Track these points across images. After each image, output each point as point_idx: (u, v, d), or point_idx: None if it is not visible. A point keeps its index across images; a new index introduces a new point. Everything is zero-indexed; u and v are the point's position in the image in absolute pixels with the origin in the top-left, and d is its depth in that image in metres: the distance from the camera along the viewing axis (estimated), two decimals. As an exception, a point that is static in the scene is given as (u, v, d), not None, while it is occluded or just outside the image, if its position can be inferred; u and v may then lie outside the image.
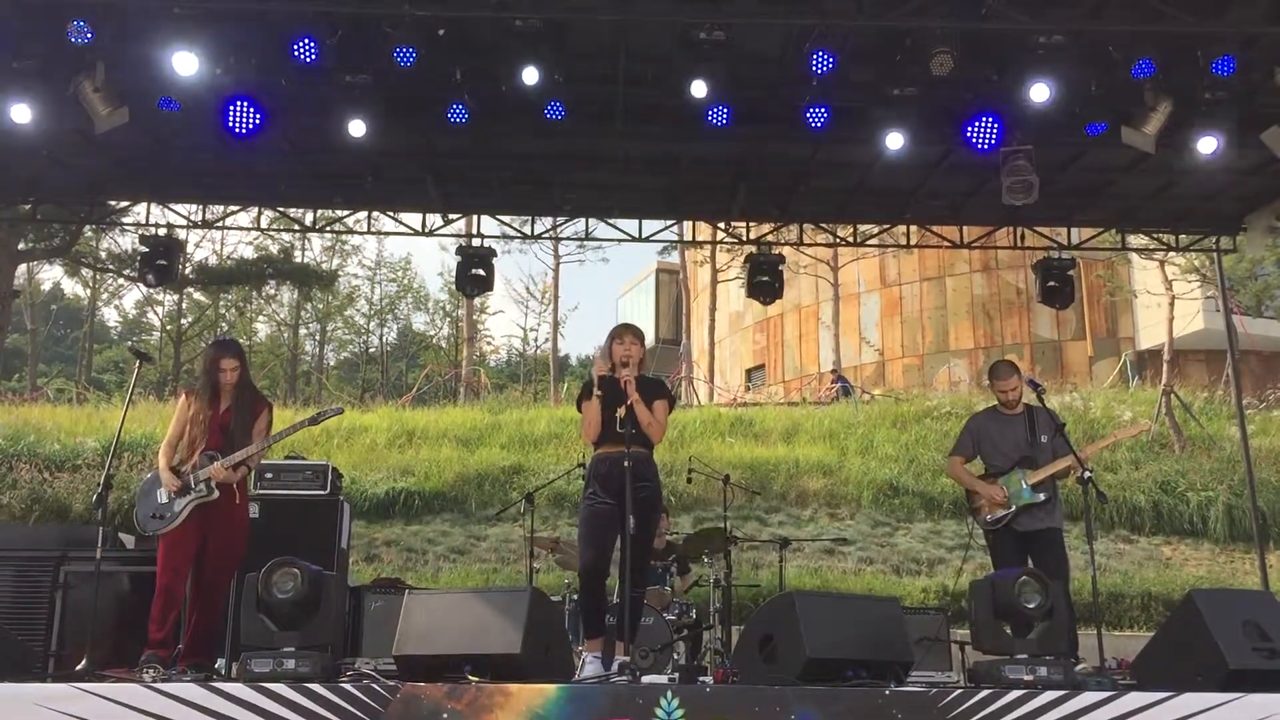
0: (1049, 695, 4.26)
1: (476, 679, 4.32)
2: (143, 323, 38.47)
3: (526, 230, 10.79)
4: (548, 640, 4.83)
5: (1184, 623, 5.00)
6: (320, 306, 35.59)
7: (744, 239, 10.42)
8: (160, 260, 9.44)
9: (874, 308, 29.00)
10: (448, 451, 16.39)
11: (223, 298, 32.72)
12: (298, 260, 26.80)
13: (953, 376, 26.04)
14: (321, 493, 7.62)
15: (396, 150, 8.39)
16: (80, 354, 36.50)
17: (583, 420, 5.92)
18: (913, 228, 10.43)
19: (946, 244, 10.48)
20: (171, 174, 9.17)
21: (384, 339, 39.62)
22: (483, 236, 10.23)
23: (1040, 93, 6.70)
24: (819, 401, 22.48)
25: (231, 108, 6.91)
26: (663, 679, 5.34)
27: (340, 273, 34.15)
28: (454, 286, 10.40)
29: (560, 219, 10.36)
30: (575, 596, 6.76)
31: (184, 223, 10.03)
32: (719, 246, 24.49)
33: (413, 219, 10.08)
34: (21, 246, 17.22)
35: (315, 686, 4.21)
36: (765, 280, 9.72)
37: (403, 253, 66.24)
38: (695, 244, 27.26)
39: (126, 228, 17.74)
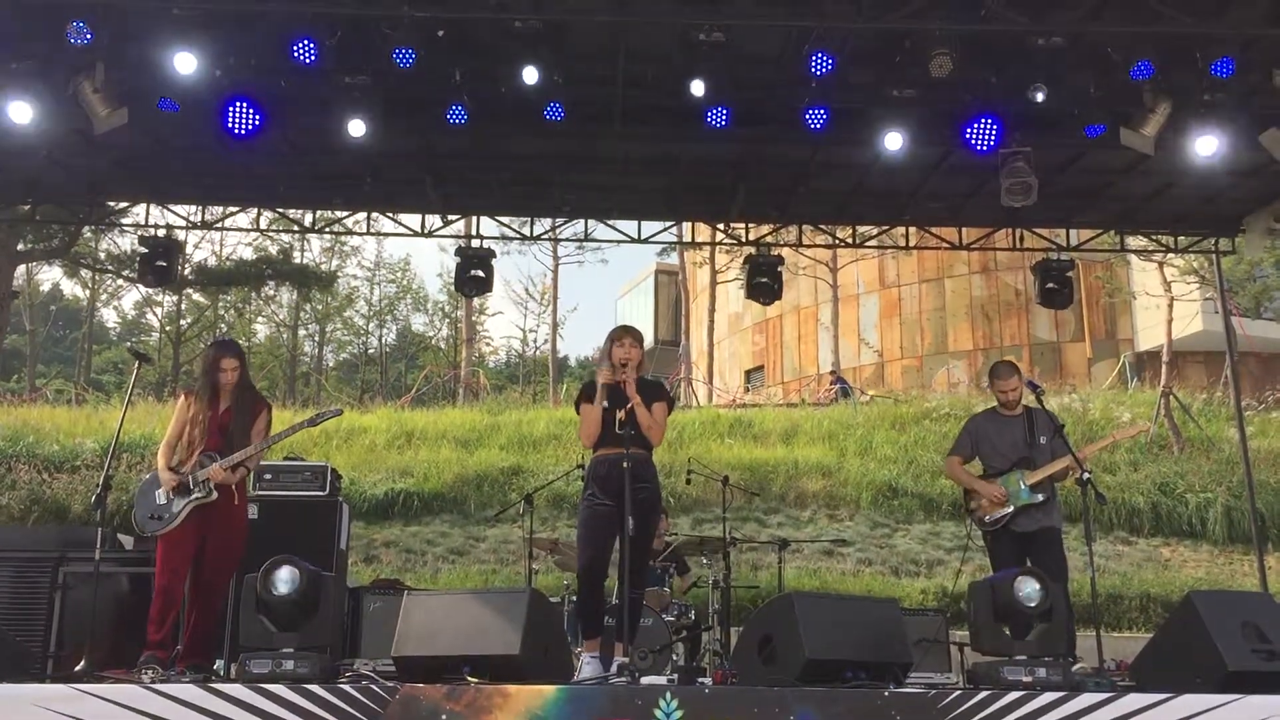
0: (1048, 696, 4.26)
1: (475, 680, 4.32)
2: (142, 324, 38.50)
3: (525, 231, 10.79)
4: (547, 641, 4.83)
5: (1183, 624, 5.00)
6: (319, 307, 35.60)
7: (743, 240, 10.42)
8: (159, 261, 9.44)
9: (873, 309, 29.00)
10: (447, 452, 16.38)
11: (222, 299, 32.70)
12: (297, 261, 26.78)
13: (951, 378, 26.03)
14: (320, 494, 7.61)
15: (396, 151, 8.39)
16: (79, 355, 36.49)
17: (581, 422, 5.92)
18: (912, 229, 10.44)
19: (945, 245, 10.48)
20: (171, 175, 9.16)
21: (383, 340, 39.66)
22: (482, 237, 10.23)
23: (1038, 93, 6.71)
24: (818, 403, 22.48)
25: (231, 108, 6.91)
26: (662, 680, 5.34)
27: (339, 274, 34.19)
28: (453, 287, 10.40)
29: (559, 220, 10.36)
30: (574, 598, 6.76)
31: (183, 224, 10.03)
32: (718, 248, 24.52)
33: (412, 220, 10.08)
34: (21, 247, 17.21)
35: (314, 687, 4.21)
36: (764, 281, 9.72)
37: (402, 254, 66.18)
38: (694, 245, 27.29)
39: (126, 228, 17.78)
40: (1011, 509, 6.78)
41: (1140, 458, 15.82)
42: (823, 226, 10.49)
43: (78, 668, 5.35)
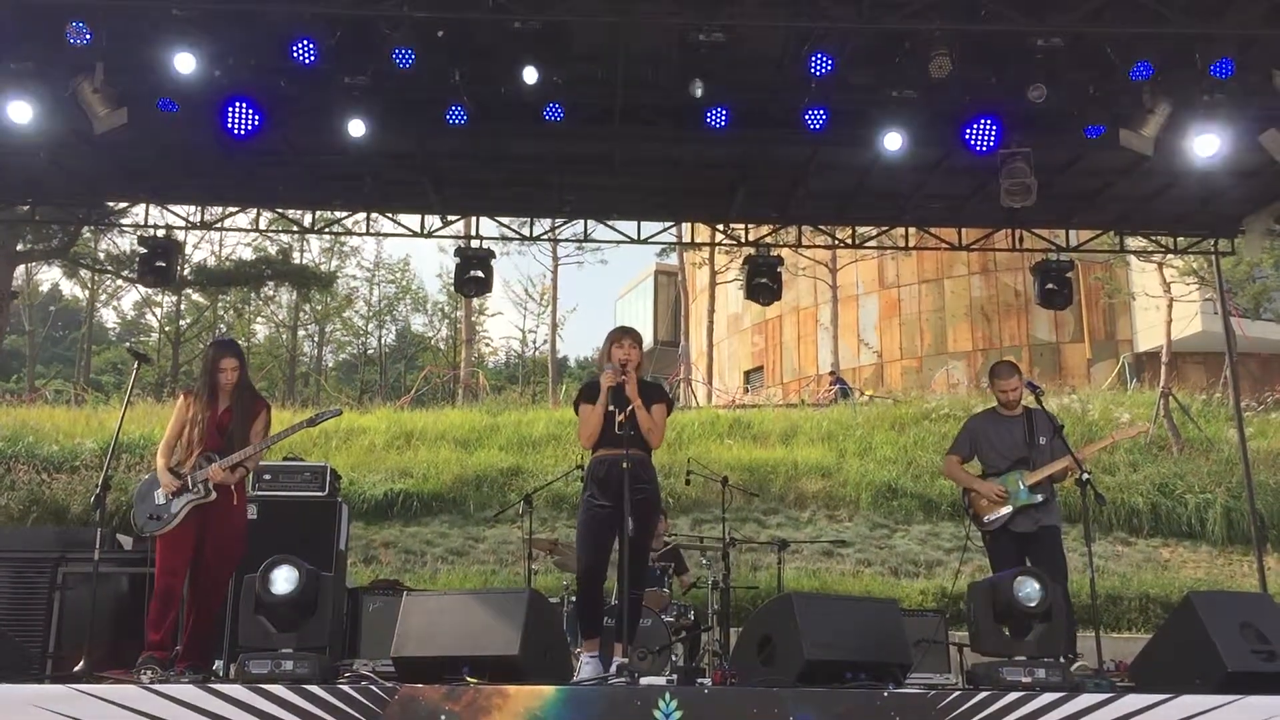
0: (1047, 697, 4.26)
1: (474, 680, 4.32)
2: (141, 324, 38.47)
3: (525, 232, 10.79)
4: (546, 642, 4.83)
5: (1182, 625, 5.00)
6: (319, 308, 35.59)
7: (743, 241, 10.42)
8: (159, 261, 9.43)
9: (872, 310, 29.01)
10: (446, 453, 16.38)
11: (221, 299, 32.70)
12: (296, 261, 26.80)
13: (951, 378, 26.04)
14: (320, 494, 7.60)
15: (395, 152, 8.39)
16: (78, 355, 36.49)
17: (581, 423, 5.91)
18: (911, 230, 10.44)
19: (945, 246, 10.48)
20: (170, 175, 9.16)
21: (382, 340, 39.65)
22: (481, 238, 10.23)
23: (1040, 96, 6.71)
24: (817, 403, 22.48)
25: (230, 109, 6.92)
26: (661, 680, 5.34)
27: (339, 274, 34.19)
28: (452, 288, 10.40)
29: (559, 220, 10.36)
30: (574, 598, 6.76)
31: (182, 224, 10.02)
32: (717, 248, 24.51)
33: (411, 220, 10.07)
34: (20, 247, 17.21)
35: (313, 688, 4.21)
36: (764, 282, 9.72)
37: (401, 254, 66.25)
38: (694, 246, 27.29)
39: (125, 229, 17.75)
40: (1010, 509, 6.78)
41: (1139, 458, 15.82)
42: (822, 227, 10.49)
43: (77, 668, 5.35)
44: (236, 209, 10.43)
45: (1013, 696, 4.26)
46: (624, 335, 5.94)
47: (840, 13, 6.61)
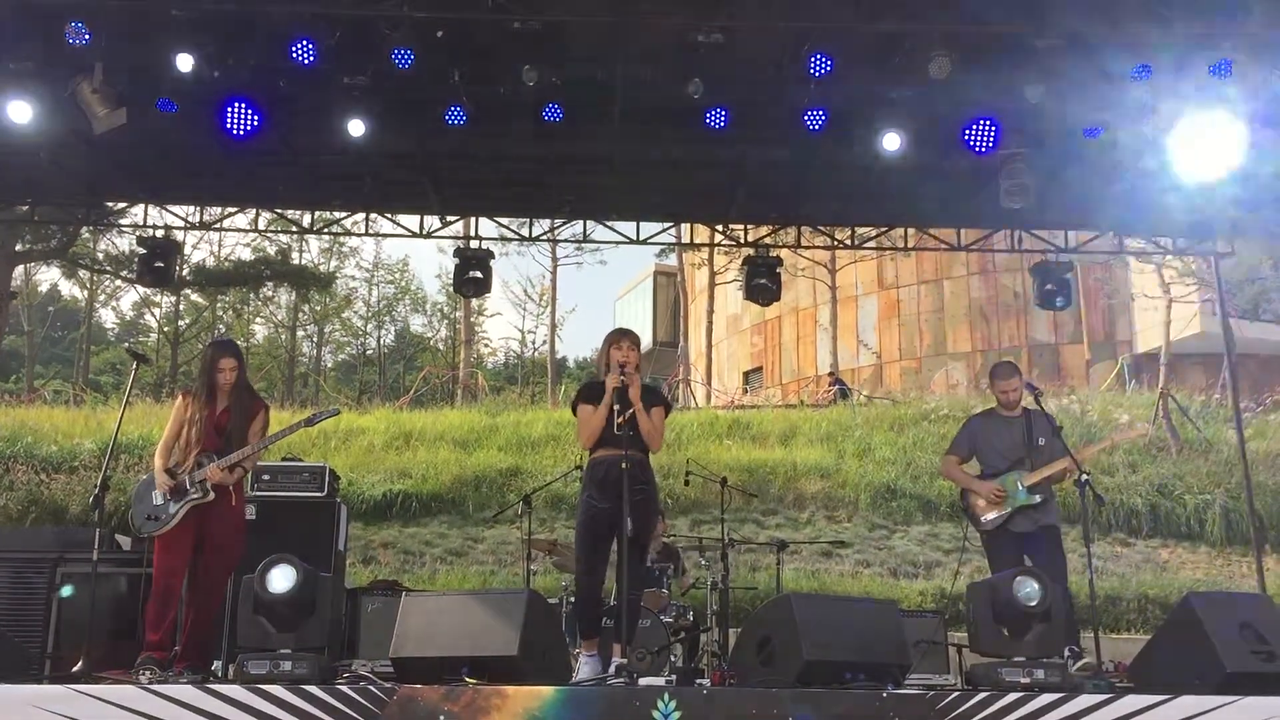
0: (1046, 698, 4.27)
1: (473, 681, 4.32)
2: (140, 324, 38.46)
3: (524, 232, 10.77)
4: (545, 642, 4.83)
5: (1181, 625, 5.01)
6: (318, 308, 35.57)
7: (742, 241, 10.41)
8: (158, 262, 9.42)
9: (871, 310, 29.01)
10: (445, 453, 16.37)
11: (220, 299, 32.70)
12: (295, 262, 26.81)
13: (950, 379, 26.04)
14: (319, 494, 7.60)
15: (394, 152, 8.38)
16: (77, 355, 36.45)
17: (581, 425, 5.91)
18: (910, 230, 10.43)
19: (944, 247, 10.48)
20: (169, 175, 9.15)
21: (381, 341, 39.63)
22: (480, 238, 10.22)
23: (1037, 95, 6.71)
24: (816, 404, 22.47)
25: (230, 109, 6.91)
26: (660, 681, 5.34)
27: (338, 274, 34.18)
28: (452, 288, 10.40)
29: (558, 221, 10.35)
30: (572, 599, 6.76)
31: (181, 224, 10.02)
32: (717, 249, 24.49)
33: (410, 221, 10.06)
34: (19, 248, 17.22)
35: (312, 688, 4.21)
36: (763, 283, 9.71)
37: (400, 254, 66.27)
38: (693, 246, 27.27)
39: (124, 229, 17.76)
40: (1008, 510, 6.79)
41: (1138, 459, 15.82)
42: (821, 228, 10.49)
43: (75, 668, 5.35)
44: (235, 209, 10.41)
45: (1012, 697, 4.26)
46: (622, 337, 5.95)
47: (839, 13, 6.61)
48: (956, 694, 4.34)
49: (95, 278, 31.44)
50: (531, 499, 8.58)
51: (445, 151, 8.60)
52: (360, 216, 10.31)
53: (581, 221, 10.03)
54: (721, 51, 6.64)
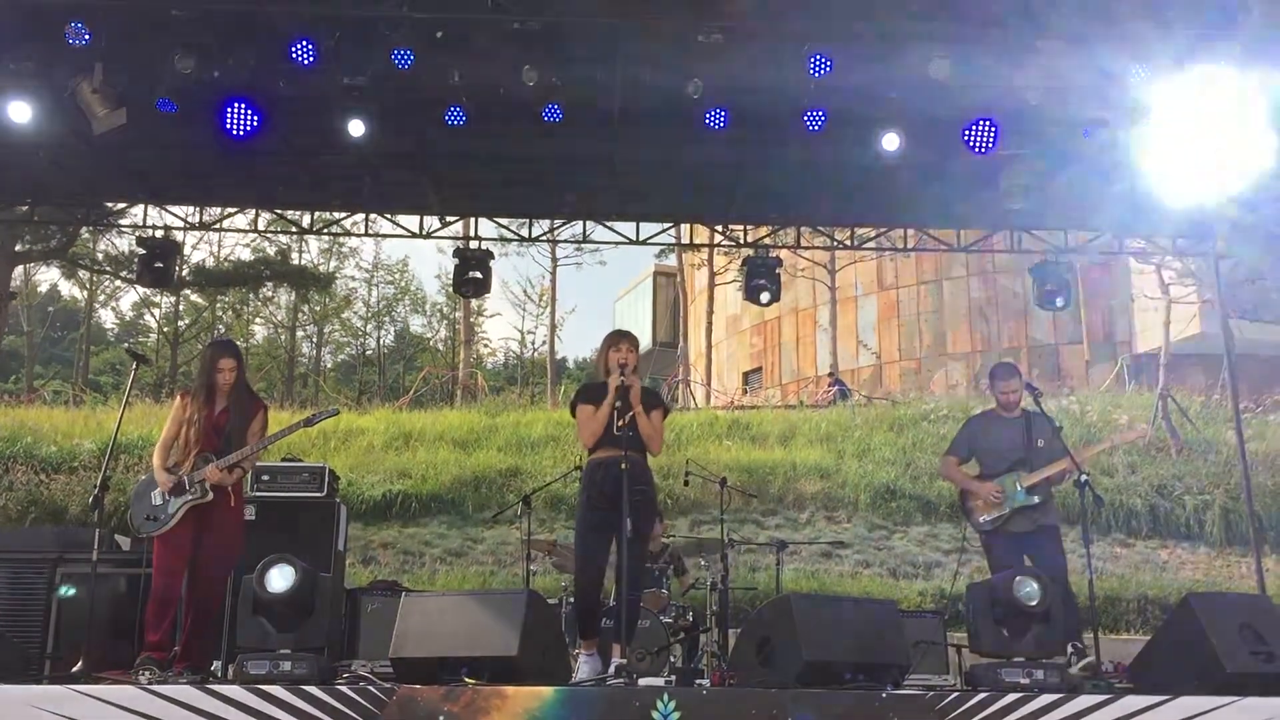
0: (1046, 698, 4.27)
1: (473, 681, 4.32)
2: (139, 325, 38.43)
3: (524, 233, 10.77)
4: (545, 643, 4.83)
5: (1181, 626, 5.01)
6: (317, 309, 35.57)
7: (741, 242, 10.42)
8: (157, 262, 9.42)
9: (871, 311, 29.01)
10: (445, 454, 16.37)
11: (220, 300, 32.70)
12: (295, 262, 26.80)
13: (949, 380, 26.03)
14: (318, 495, 7.60)
15: (394, 152, 8.37)
16: (77, 356, 36.43)
17: (582, 424, 5.90)
18: (910, 231, 10.43)
19: (944, 247, 10.48)
20: (169, 175, 9.15)
21: (381, 341, 39.63)
22: (480, 239, 10.23)
23: (1036, 95, 6.71)
24: (816, 404, 22.48)
25: (229, 109, 6.91)
26: (659, 682, 5.34)
27: (337, 275, 34.18)
28: (451, 289, 10.40)
29: (557, 221, 10.35)
30: (572, 599, 6.76)
31: (181, 224, 10.02)
32: (716, 249, 24.51)
33: (410, 221, 10.06)
34: (18, 248, 17.23)
35: (311, 688, 4.21)
36: (762, 283, 9.71)
37: (400, 255, 66.21)
38: (693, 247, 27.30)
39: (123, 229, 17.80)
40: (1007, 510, 6.79)
41: (1138, 460, 15.83)
42: (821, 228, 10.49)
43: (75, 669, 5.35)
44: (235, 210, 10.41)
45: (1011, 698, 4.26)
46: (621, 339, 5.95)
47: (839, 13, 6.61)
48: (956, 694, 4.34)
49: (95, 278, 31.46)
50: (531, 499, 8.57)
51: (445, 152, 8.60)
52: (360, 217, 10.31)
53: (581, 222, 10.04)
54: (721, 51, 6.63)
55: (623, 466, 5.39)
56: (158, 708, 4.10)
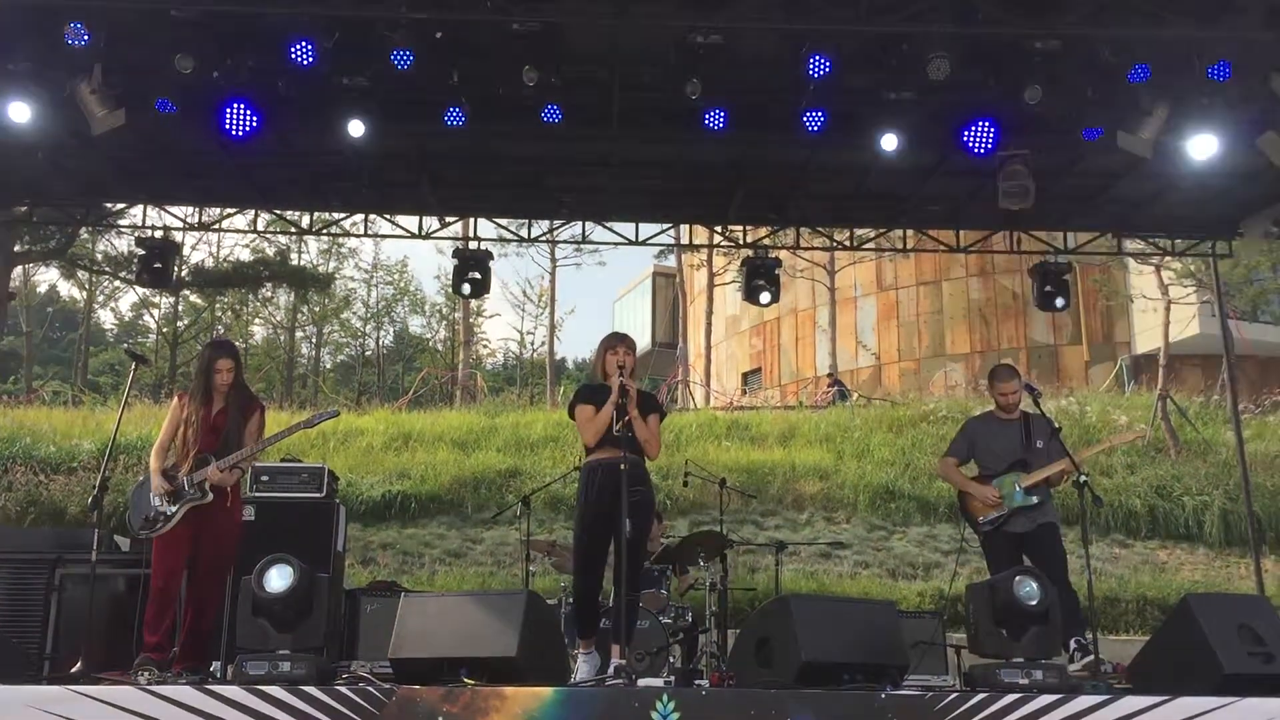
0: (1045, 699, 4.27)
1: (472, 682, 4.32)
2: (139, 325, 38.44)
3: (523, 233, 10.78)
4: (544, 643, 4.83)
5: (1180, 627, 5.01)
6: (317, 309, 35.53)
7: (741, 242, 10.42)
8: (156, 263, 9.41)
9: (870, 312, 29.01)
10: (444, 454, 16.37)
11: (219, 300, 32.65)
12: (294, 263, 26.74)
13: (949, 381, 26.04)
14: (317, 495, 7.59)
15: (393, 153, 8.38)
16: (76, 356, 36.42)
17: (584, 424, 5.87)
18: (909, 232, 10.43)
19: (943, 248, 10.48)
20: (168, 176, 9.14)
21: (380, 342, 39.63)
22: (479, 239, 10.23)
23: (1035, 96, 6.72)
24: (815, 405, 22.49)
25: (228, 110, 6.91)
26: (658, 682, 5.35)
27: (337, 275, 34.10)
28: (450, 289, 10.39)
29: (557, 222, 10.35)
30: (571, 600, 6.76)
31: (180, 225, 10.02)
32: (716, 250, 24.52)
33: (409, 222, 10.07)
34: (17, 249, 17.17)
35: (310, 689, 4.21)
36: (762, 284, 9.70)
37: (399, 255, 66.22)
38: (692, 247, 27.32)
39: (123, 230, 17.78)
40: (1006, 511, 6.79)
41: (1137, 461, 15.83)
42: (820, 229, 10.50)
43: (74, 669, 5.34)
44: (234, 210, 10.41)
45: (1010, 698, 4.26)
46: (618, 342, 5.94)
47: (838, 14, 6.62)
48: (955, 695, 4.34)
49: (94, 279, 31.43)
50: (530, 500, 8.58)
51: (444, 152, 8.61)
52: (359, 217, 10.31)
53: (580, 222, 10.04)
54: (721, 52, 6.64)
55: (622, 468, 5.38)
56: (157, 708, 4.10)
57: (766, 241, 10.42)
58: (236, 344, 8.33)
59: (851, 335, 28.66)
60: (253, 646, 4.80)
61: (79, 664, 5.36)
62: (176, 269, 10.94)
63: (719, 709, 4.20)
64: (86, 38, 6.38)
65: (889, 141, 7.37)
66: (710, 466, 12.11)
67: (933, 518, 14.62)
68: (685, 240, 25.49)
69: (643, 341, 32.74)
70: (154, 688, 4.25)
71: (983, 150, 7.25)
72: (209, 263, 27.66)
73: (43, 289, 37.37)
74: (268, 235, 22.15)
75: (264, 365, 34.19)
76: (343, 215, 10.51)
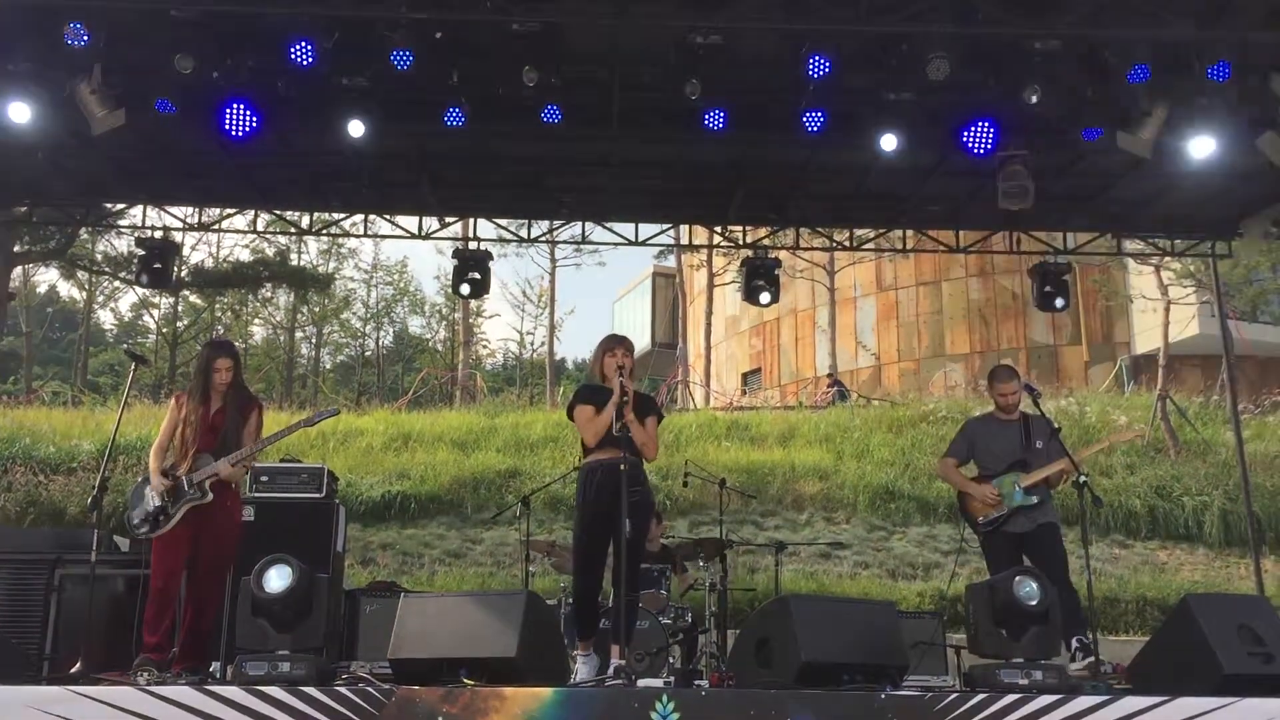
0: (1045, 699, 4.26)
1: (472, 682, 4.32)
2: (138, 325, 38.43)
3: (523, 234, 10.78)
4: (543, 644, 4.83)
5: (1179, 627, 5.01)
6: (316, 309, 35.52)
7: (740, 243, 10.42)
8: (156, 263, 9.41)
9: (870, 312, 29.01)
10: (444, 455, 16.37)
11: (218, 300, 32.65)
12: (294, 263, 26.73)
13: (948, 381, 26.04)
14: (317, 496, 7.59)
15: (393, 153, 8.38)
16: (76, 357, 36.41)
17: (585, 424, 5.87)
18: (909, 232, 10.44)
19: (943, 248, 10.49)
20: (168, 176, 9.15)
21: (380, 342, 39.62)
22: (479, 240, 10.23)
23: (1035, 96, 6.72)
24: (815, 405, 22.48)
25: (228, 110, 6.91)
26: (658, 683, 5.34)
27: (336, 276, 34.09)
28: (450, 290, 10.39)
29: (557, 222, 10.35)
30: (570, 600, 6.76)
31: (180, 225, 10.02)
32: (715, 250, 24.51)
33: (409, 222, 10.07)
34: (17, 249, 17.16)
35: (310, 689, 4.20)
36: (761, 284, 9.71)
37: (399, 256, 66.22)
38: (692, 248, 27.33)
39: (123, 230, 17.78)
40: (1005, 511, 6.79)
41: (1137, 461, 15.83)
42: (820, 229, 10.50)
43: (73, 670, 5.34)
44: (234, 210, 10.41)
45: (1010, 698, 4.26)
46: (617, 344, 5.94)
47: (838, 14, 6.62)
48: (954, 695, 4.34)
49: (94, 279, 31.42)
50: (530, 500, 8.57)
51: (444, 152, 8.61)
52: (359, 218, 10.31)
53: (580, 223, 10.04)
54: (720, 52, 6.64)
55: (621, 468, 5.38)
56: (156, 709, 4.10)
57: (766, 242, 10.42)
58: (236, 344, 8.32)
59: (851, 335, 28.66)
60: (252, 647, 4.80)
61: (78, 664, 5.36)
62: (176, 269, 10.94)
63: (719, 709, 4.20)
64: (86, 38, 6.38)
65: (889, 142, 7.37)
66: (710, 467, 12.11)
67: (932, 518, 14.62)
68: (685, 240, 25.48)
69: (642, 342, 32.73)
70: (153, 688, 4.25)
71: (982, 150, 7.25)
72: (209, 263, 27.68)
73: (43, 289, 37.41)
74: (267, 235, 22.15)
75: (264, 365, 34.19)
76: (343, 215, 10.50)
